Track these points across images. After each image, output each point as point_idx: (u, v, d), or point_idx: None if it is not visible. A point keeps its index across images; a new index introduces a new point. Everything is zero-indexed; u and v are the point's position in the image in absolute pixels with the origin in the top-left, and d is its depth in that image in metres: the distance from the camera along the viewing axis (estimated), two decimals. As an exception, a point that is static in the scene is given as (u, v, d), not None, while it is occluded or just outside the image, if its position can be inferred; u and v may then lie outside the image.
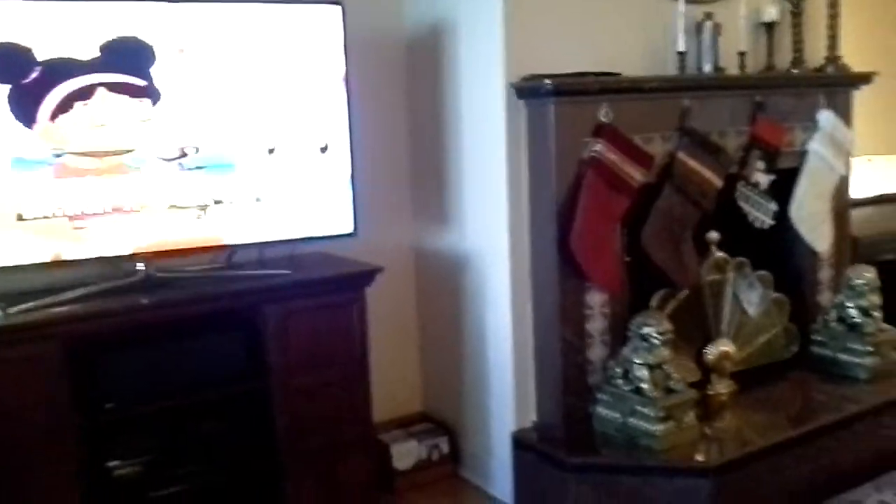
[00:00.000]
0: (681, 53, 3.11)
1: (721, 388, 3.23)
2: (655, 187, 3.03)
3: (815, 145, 3.44)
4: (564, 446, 2.86)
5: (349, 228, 2.76)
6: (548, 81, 2.73)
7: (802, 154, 3.44)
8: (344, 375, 2.69)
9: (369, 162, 3.18)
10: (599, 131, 2.84)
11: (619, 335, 2.93)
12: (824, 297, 3.59)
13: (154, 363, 2.44)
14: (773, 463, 2.78)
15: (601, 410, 2.91)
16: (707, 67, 3.19)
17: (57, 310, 2.30)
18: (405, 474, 3.22)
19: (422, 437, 3.31)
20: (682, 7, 3.07)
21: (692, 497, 2.66)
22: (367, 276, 2.70)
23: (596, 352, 2.95)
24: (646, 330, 2.80)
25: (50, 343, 2.22)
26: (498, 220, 2.94)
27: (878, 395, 3.23)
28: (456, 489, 3.23)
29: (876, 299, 3.40)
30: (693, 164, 3.06)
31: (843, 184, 3.59)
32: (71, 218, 2.37)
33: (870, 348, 3.35)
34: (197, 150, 2.51)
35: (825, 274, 3.62)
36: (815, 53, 3.58)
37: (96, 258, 2.44)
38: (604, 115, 2.84)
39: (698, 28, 3.21)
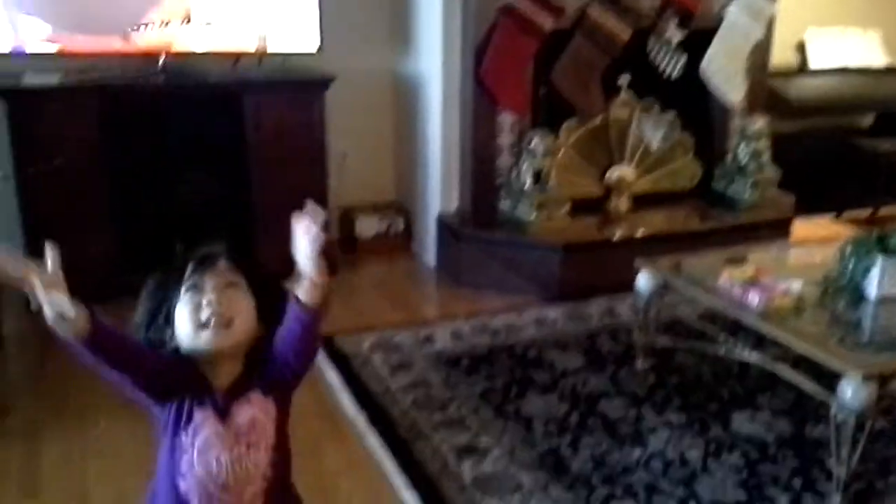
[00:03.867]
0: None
1: (619, 203, 4.07)
2: (569, 33, 3.78)
3: (733, 9, 4.03)
4: (467, 224, 3.82)
5: (315, 48, 3.68)
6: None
7: (722, 17, 4.05)
8: (306, 155, 3.67)
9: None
10: (515, -18, 3.59)
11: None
12: (734, 143, 4.26)
13: (166, 126, 3.51)
14: (607, 252, 3.65)
15: (502, 203, 3.82)
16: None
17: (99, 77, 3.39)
18: (366, 242, 4.26)
19: (384, 215, 4.32)
20: None
21: (547, 263, 3.61)
22: (323, 82, 3.62)
23: (504, 160, 3.82)
24: (532, 144, 3.65)
25: (93, 99, 3.29)
26: (436, 50, 3.78)
27: (742, 220, 3.98)
28: (402, 256, 4.25)
29: (763, 144, 4.07)
30: (603, 18, 3.77)
31: (760, 46, 4.16)
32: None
33: (752, 183, 4.07)
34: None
35: (736, 123, 4.27)
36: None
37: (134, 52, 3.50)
38: (519, -31, 3.57)
39: None
